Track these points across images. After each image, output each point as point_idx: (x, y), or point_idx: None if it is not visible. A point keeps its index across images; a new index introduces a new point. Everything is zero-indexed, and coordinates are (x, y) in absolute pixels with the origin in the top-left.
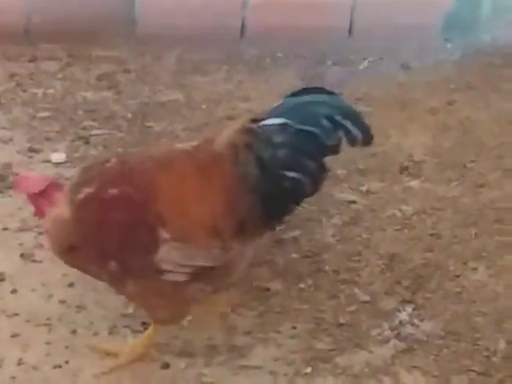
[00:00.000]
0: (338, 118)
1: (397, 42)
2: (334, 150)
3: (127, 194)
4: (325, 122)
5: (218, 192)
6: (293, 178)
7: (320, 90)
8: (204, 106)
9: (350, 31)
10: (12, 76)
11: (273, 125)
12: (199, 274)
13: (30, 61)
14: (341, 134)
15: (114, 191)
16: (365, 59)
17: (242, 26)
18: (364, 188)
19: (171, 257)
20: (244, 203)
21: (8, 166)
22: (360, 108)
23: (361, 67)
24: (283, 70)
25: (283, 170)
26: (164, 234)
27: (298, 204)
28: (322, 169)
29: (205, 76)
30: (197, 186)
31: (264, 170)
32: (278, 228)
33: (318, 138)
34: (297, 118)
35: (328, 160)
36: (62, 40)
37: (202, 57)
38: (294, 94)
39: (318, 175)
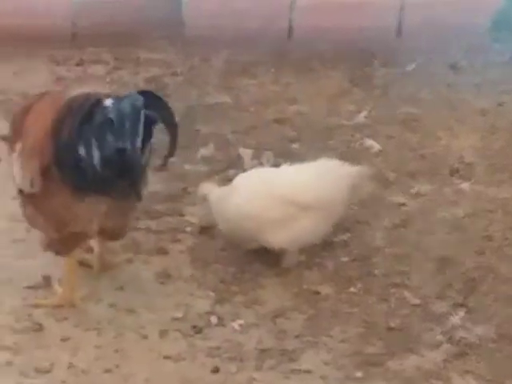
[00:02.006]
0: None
1: (445, 42)
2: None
3: (24, 108)
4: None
5: (43, 131)
6: (80, 153)
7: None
8: (252, 109)
9: (397, 32)
10: (59, 80)
11: (103, 104)
12: (26, 196)
13: (78, 64)
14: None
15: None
16: (413, 60)
17: (290, 27)
18: (414, 190)
19: (14, 167)
20: (48, 149)
21: None
22: (409, 109)
23: (409, 68)
24: (331, 71)
25: (78, 142)
26: (18, 145)
27: (91, 184)
28: (114, 165)
29: (253, 78)
30: (42, 119)
31: (69, 134)
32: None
33: (116, 135)
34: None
35: (376, 163)
36: (109, 43)
37: (249, 59)
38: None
39: (108, 167)
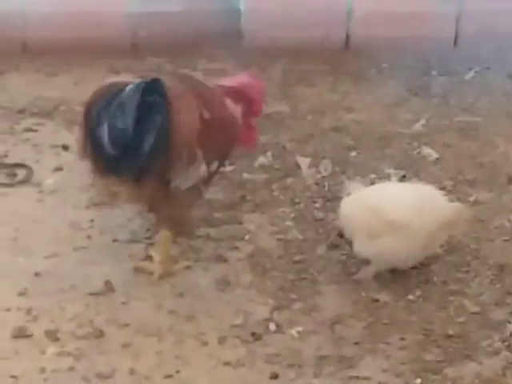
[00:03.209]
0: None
1: (503, 51)
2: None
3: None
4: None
5: None
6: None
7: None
8: (309, 117)
9: (455, 41)
10: None
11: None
12: None
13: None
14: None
15: None
16: (471, 69)
17: (347, 36)
18: (472, 198)
19: None
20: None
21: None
22: (467, 118)
23: (467, 77)
24: (388, 80)
25: (97, 124)
26: None
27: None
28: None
29: (310, 87)
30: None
31: (92, 116)
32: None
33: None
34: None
35: (434, 171)
36: (169, 54)
37: (307, 68)
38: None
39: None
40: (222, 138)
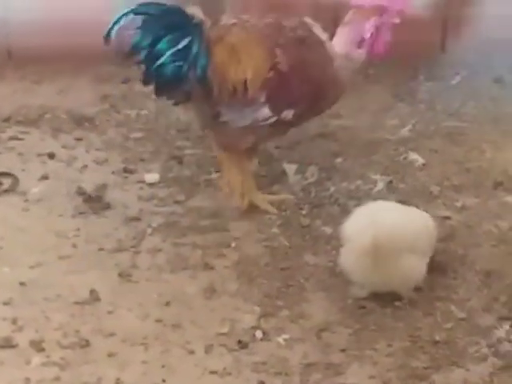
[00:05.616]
0: None
1: (489, 56)
2: None
3: None
4: None
5: None
6: None
7: None
8: None
9: (442, 46)
10: (105, 97)
11: None
12: None
13: (123, 82)
14: None
15: None
16: (457, 74)
17: None
18: (459, 204)
19: None
20: None
21: (103, 186)
22: (453, 123)
23: (453, 82)
24: (375, 86)
25: None
26: None
27: None
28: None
29: None
30: None
31: None
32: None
33: None
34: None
35: (420, 176)
36: None
37: None
38: None
39: None
40: (301, 89)
